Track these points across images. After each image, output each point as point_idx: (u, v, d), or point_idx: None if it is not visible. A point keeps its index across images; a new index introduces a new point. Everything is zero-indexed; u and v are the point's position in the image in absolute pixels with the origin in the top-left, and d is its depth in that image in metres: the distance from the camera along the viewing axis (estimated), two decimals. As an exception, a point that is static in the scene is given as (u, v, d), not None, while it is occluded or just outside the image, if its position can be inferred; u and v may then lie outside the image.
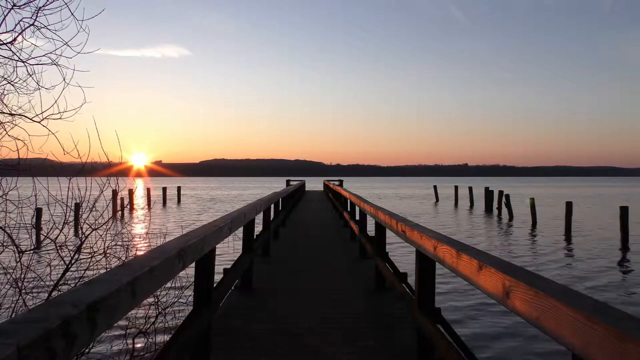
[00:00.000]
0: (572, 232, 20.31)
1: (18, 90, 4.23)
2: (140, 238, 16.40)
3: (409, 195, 59.10)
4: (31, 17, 4.01)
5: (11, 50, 4.11)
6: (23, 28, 4.03)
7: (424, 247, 3.01)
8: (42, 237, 4.54)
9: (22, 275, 4.32)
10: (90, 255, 4.59)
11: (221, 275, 4.36)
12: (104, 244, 4.68)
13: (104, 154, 4.27)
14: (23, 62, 4.15)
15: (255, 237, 6.11)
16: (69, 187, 4.22)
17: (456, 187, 42.82)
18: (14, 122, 4.17)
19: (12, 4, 3.93)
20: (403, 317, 4.47)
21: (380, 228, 5.51)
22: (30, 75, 4.18)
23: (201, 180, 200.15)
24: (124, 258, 4.86)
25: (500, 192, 30.07)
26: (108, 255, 4.73)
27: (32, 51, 4.17)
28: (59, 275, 4.49)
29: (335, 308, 4.87)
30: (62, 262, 4.50)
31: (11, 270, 4.33)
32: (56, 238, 4.39)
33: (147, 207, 35.73)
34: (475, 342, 6.58)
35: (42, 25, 4.04)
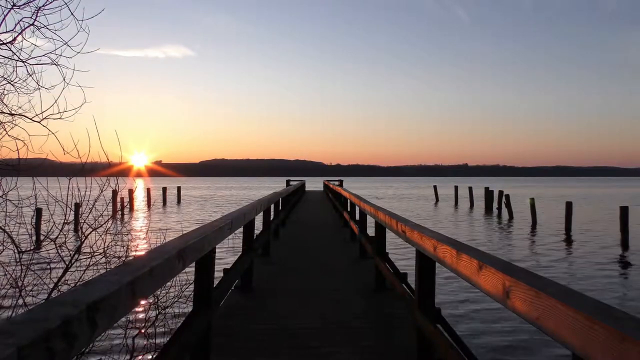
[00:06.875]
0: (572, 232, 20.32)
1: (18, 90, 4.23)
2: (140, 238, 16.41)
3: (408, 196, 59.09)
4: (31, 17, 4.01)
5: (11, 50, 4.11)
6: (23, 28, 4.03)
7: (424, 247, 3.01)
8: (42, 237, 4.54)
9: (22, 275, 4.32)
10: (90, 255, 4.58)
11: (221, 275, 4.36)
12: (104, 244, 4.68)
13: (104, 154, 4.26)
14: (23, 62, 4.15)
15: (255, 237, 6.11)
16: (69, 187, 4.21)
17: (456, 187, 42.83)
18: (14, 122, 4.17)
19: (12, 4, 3.93)
20: (403, 317, 4.47)
21: (380, 228, 5.51)
22: (30, 75, 4.18)
23: (201, 180, 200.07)
24: (124, 258, 4.86)
25: (500, 192, 30.08)
26: (108, 255, 4.73)
27: (32, 51, 4.17)
28: (59, 275, 4.49)
29: (335, 308, 4.87)
30: (62, 262, 4.50)
31: (11, 270, 4.33)
32: (56, 238, 4.38)
33: (147, 207, 35.72)
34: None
35: (42, 25, 4.04)
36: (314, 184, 59.78)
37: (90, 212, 4.54)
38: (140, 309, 6.33)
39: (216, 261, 3.45)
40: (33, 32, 4.07)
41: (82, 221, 4.49)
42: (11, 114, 4.21)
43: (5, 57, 4.13)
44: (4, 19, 3.93)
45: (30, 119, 4.16)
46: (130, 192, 20.92)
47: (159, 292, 5.26)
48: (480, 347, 6.53)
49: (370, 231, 6.81)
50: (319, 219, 15.20)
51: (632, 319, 1.17)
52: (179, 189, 46.41)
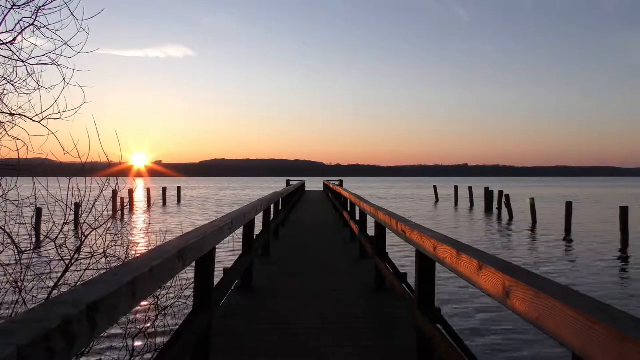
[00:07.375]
0: (572, 232, 20.31)
1: (18, 90, 4.23)
2: (140, 238, 16.41)
3: (408, 196, 59.09)
4: (31, 17, 4.01)
5: (11, 50, 4.11)
6: (23, 28, 4.03)
7: (424, 247, 3.01)
8: (42, 237, 4.54)
9: (22, 275, 4.32)
10: (90, 255, 4.59)
11: (221, 275, 4.36)
12: (104, 244, 4.68)
13: (104, 154, 4.27)
14: (23, 62, 4.15)
15: (255, 237, 6.11)
16: (69, 187, 4.22)
17: (456, 187, 42.82)
18: (14, 122, 4.18)
19: (12, 4, 3.93)
20: (403, 317, 4.47)
21: (380, 228, 5.51)
22: (30, 75, 4.18)
23: (201, 180, 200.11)
24: (124, 258, 4.86)
25: (500, 192, 30.08)
26: (108, 255, 4.73)
27: (32, 51, 4.17)
28: (59, 275, 4.49)
29: (335, 308, 4.87)
30: (62, 262, 4.50)
31: (11, 270, 4.33)
32: (56, 238, 4.39)
33: (147, 207, 35.73)
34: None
35: (42, 25, 4.04)
36: (314, 184, 59.77)
37: (90, 212, 4.55)
38: (140, 309, 6.34)
39: (216, 261, 3.46)
40: (33, 32, 4.07)
41: (82, 221, 4.49)
42: (11, 114, 4.21)
43: (5, 57, 4.13)
44: (4, 19, 3.93)
45: (30, 119, 4.16)
46: (130, 192, 20.92)
47: (159, 292, 5.27)
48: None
49: (370, 231, 6.81)
50: (319, 219, 15.20)
51: (632, 319, 1.17)
52: (179, 189, 46.39)
